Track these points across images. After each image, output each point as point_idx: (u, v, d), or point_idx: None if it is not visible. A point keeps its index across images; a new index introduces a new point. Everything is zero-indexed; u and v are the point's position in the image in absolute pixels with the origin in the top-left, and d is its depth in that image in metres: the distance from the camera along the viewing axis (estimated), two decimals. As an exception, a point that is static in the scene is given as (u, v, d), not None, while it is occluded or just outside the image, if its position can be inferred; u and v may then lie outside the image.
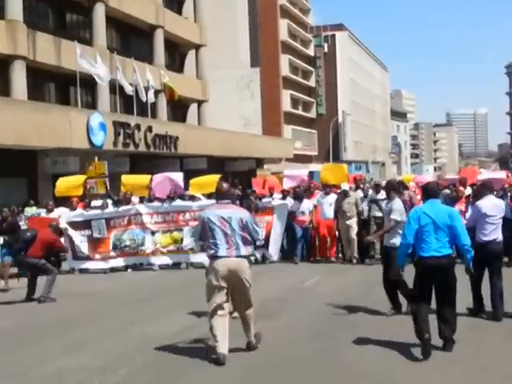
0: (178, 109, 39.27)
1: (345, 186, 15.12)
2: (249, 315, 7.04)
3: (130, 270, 15.18)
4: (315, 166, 60.45)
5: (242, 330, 7.13)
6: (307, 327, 8.06)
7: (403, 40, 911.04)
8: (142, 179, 17.17)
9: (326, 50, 76.16)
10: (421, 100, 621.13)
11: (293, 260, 15.22)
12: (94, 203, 16.41)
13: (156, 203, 15.47)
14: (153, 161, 28.33)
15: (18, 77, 24.47)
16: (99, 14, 29.25)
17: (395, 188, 9.11)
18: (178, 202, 15.32)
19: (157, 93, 32.01)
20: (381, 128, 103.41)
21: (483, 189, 8.94)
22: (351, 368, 6.45)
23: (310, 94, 73.23)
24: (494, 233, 8.42)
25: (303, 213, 15.60)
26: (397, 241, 8.15)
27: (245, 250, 6.83)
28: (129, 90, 27.93)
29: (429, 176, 31.39)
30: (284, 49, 63.70)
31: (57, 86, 28.53)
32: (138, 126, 26.20)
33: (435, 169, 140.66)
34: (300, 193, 16.31)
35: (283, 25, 63.21)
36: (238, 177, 35.62)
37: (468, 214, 9.14)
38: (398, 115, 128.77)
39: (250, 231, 6.83)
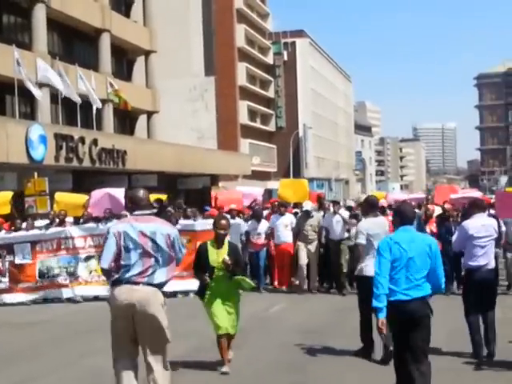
0: (126, 120, 39.14)
1: (307, 206, 14.72)
2: (156, 380, 5.62)
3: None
4: (274, 184, 60.91)
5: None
6: (275, 359, 8.16)
7: (367, 49, 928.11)
8: (78, 198, 17.02)
9: (285, 58, 77.00)
10: (386, 113, 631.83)
11: (258, 290, 14.42)
12: (39, 223, 15.93)
13: (90, 224, 14.82)
14: (98, 177, 28.12)
15: (-51, 84, 24.09)
16: (39, 16, 29.02)
17: (375, 206, 8.85)
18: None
19: (103, 103, 31.90)
20: (344, 142, 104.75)
21: (474, 207, 8.52)
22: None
23: (268, 106, 73.81)
24: (483, 257, 8.08)
25: (259, 234, 15.23)
26: (365, 267, 8.09)
27: (163, 276, 5.75)
28: (77, 99, 27.82)
29: (402, 194, 31.55)
30: (241, 56, 64.19)
31: (-9, 95, 28.17)
32: (82, 139, 25.99)
33: (402, 187, 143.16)
34: (259, 211, 15.93)
35: (240, 30, 63.74)
36: (190, 195, 35.79)
37: (454, 237, 8.78)
38: (363, 129, 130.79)
39: (176, 250, 5.88)
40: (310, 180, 74.43)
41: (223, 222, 7.95)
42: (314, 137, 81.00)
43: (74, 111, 28.71)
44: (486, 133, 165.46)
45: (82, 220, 15.44)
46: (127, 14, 39.64)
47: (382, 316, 5.81)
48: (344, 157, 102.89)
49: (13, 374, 8.15)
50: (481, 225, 8.22)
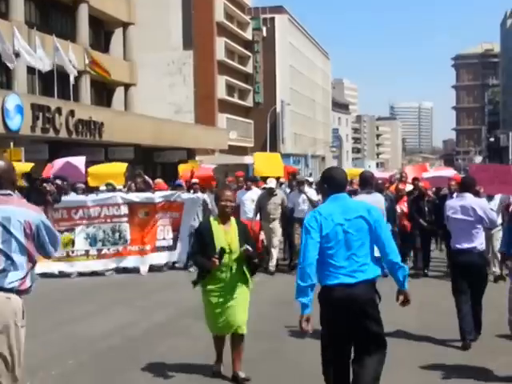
0: (103, 92, 38.89)
1: (271, 183, 14.02)
2: None
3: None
4: (251, 159, 61.02)
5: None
6: (252, 328, 8.37)
7: (346, 27, 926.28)
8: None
9: (264, 33, 76.67)
10: (364, 91, 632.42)
11: None
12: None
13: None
14: (74, 149, 27.94)
15: None
16: (17, -16, 28.67)
17: (369, 181, 8.61)
18: (70, 197, 13.81)
19: (80, 74, 31.68)
20: (321, 120, 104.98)
21: (461, 186, 8.21)
22: (298, 369, 6.77)
23: (246, 81, 73.61)
24: (465, 240, 7.69)
25: None
26: None
27: (18, 277, 4.38)
28: (47, 68, 27.61)
29: (375, 171, 31.97)
30: (219, 31, 63.81)
31: (-34, 64, 27.84)
32: (58, 110, 25.86)
33: (377, 165, 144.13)
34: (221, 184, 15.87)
35: (219, 4, 63.26)
36: (167, 168, 35.75)
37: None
38: (340, 106, 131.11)
39: (41, 242, 4.54)
40: (287, 156, 74.69)
41: (228, 192, 6.60)
42: (291, 113, 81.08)
43: (51, 82, 28.50)
44: (461, 113, 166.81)
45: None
46: (106, -15, 39.19)
47: (308, 311, 4.69)
48: (321, 133, 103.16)
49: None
50: (460, 205, 7.83)
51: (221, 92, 63.29)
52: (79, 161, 15.08)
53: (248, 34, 74.01)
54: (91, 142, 28.68)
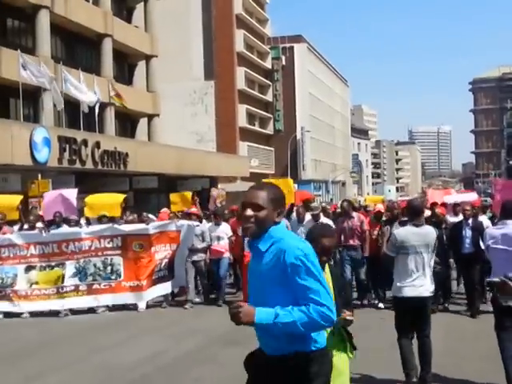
0: (127, 123, 39.34)
1: None
2: None
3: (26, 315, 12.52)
4: (272, 186, 61.06)
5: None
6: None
7: (364, 53, 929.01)
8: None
9: (283, 62, 77.21)
10: (382, 116, 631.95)
11: (217, 302, 13.12)
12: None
13: (34, 231, 13.13)
14: (100, 179, 28.33)
15: (-46, 87, 24.26)
16: (43, 21, 29.24)
17: (418, 212, 7.28)
18: (62, 229, 13.13)
19: (104, 106, 32.12)
20: (341, 145, 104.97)
21: (502, 213, 7.02)
22: None
23: (267, 109, 74.01)
24: (508, 272, 6.42)
25: (219, 239, 13.51)
26: (401, 287, 7.04)
27: None
28: (84, 106, 28.16)
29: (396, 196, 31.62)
30: (240, 61, 64.38)
31: (-4, 98, 28.35)
32: (84, 142, 26.20)
33: (397, 189, 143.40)
34: (218, 211, 14.34)
35: (239, 35, 63.91)
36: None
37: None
38: (359, 132, 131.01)
39: None
40: (308, 182, 74.74)
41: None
42: (311, 140, 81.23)
43: (77, 114, 28.91)
44: (480, 136, 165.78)
45: (26, 226, 13.67)
46: (129, 20, 39.86)
47: None
48: (341, 159, 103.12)
49: (29, 368, 8.29)
50: (500, 234, 6.80)
51: (242, 120, 63.65)
52: (71, 193, 14.81)
53: (268, 63, 74.57)
54: (116, 172, 28.96)
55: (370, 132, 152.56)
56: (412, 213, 7.27)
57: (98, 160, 27.18)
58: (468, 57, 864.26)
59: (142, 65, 40.48)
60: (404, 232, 7.09)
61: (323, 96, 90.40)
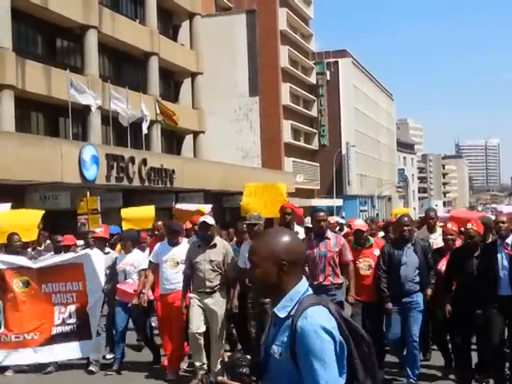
0: (173, 140, 39.69)
1: (207, 220, 8.59)
2: None
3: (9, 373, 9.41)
4: (318, 201, 60.87)
5: None
6: None
7: (408, 66, 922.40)
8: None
9: (328, 77, 77.03)
10: (428, 130, 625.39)
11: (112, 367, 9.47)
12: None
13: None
14: (147, 196, 28.54)
15: (6, 108, 24.79)
16: (91, 40, 29.77)
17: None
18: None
19: (151, 124, 32.46)
20: (387, 160, 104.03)
21: None
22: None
23: (311, 125, 73.84)
24: None
25: (127, 276, 9.56)
26: None
27: None
28: (124, 121, 28.43)
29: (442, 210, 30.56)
30: (284, 76, 64.46)
31: (46, 117, 28.88)
32: (132, 159, 26.49)
33: (444, 204, 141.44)
34: (132, 236, 10.11)
35: (283, 51, 64.04)
36: (235, 213, 35.92)
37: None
38: (405, 146, 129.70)
39: None
40: (353, 197, 74.27)
41: None
42: (356, 155, 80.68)
43: (124, 132, 29.27)
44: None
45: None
46: (174, 38, 40.32)
47: None
48: (386, 174, 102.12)
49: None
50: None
51: (287, 136, 63.62)
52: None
53: (312, 79, 74.50)
54: (163, 189, 29.18)
55: (416, 146, 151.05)
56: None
57: (145, 177, 27.45)
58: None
59: (187, 82, 40.86)
60: None
61: (368, 110, 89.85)
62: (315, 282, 7.75)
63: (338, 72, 79.03)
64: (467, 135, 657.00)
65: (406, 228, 7.94)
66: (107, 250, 10.20)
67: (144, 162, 27.32)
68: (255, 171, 43.16)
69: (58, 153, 22.26)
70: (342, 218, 29.75)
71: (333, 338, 2.60)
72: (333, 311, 2.69)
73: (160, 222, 10.72)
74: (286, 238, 2.78)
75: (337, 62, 79.17)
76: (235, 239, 10.44)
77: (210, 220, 8.50)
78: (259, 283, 2.83)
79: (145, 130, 30.63)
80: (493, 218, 9.69)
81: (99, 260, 8.89)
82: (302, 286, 2.79)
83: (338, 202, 62.57)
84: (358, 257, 8.36)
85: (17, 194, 22.40)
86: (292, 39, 67.75)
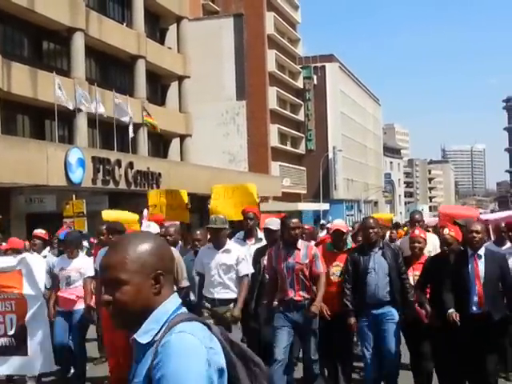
0: (160, 144, 39.60)
1: (152, 229, 8.50)
2: None
3: None
4: (304, 205, 60.94)
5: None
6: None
7: (395, 71, 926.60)
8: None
9: (315, 82, 77.22)
10: (415, 135, 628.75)
11: None
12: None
13: None
14: (133, 199, 28.40)
15: (-9, 110, 24.65)
16: (78, 43, 29.63)
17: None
18: None
19: (138, 127, 32.39)
20: (373, 165, 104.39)
21: None
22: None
23: (298, 129, 73.97)
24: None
25: (70, 282, 8.59)
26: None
27: None
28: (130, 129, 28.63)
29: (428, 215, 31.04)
30: (271, 80, 64.55)
31: (31, 120, 28.73)
32: (118, 162, 26.43)
33: (430, 208, 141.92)
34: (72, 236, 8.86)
35: (271, 55, 64.13)
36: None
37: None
38: (391, 151, 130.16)
39: None
40: (340, 201, 74.39)
41: None
42: (343, 159, 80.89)
43: (111, 135, 29.18)
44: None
45: None
46: (162, 41, 40.26)
47: None
48: (373, 179, 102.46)
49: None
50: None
51: (273, 140, 63.70)
52: None
53: (299, 83, 74.67)
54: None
55: (402, 151, 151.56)
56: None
57: (132, 180, 27.39)
58: (501, 74, 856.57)
59: (174, 86, 40.80)
60: None
61: (355, 115, 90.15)
62: (286, 298, 7.08)
63: (325, 76, 79.26)
64: (453, 140, 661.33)
65: (371, 231, 7.12)
66: (45, 252, 9.55)
67: (130, 165, 27.27)
68: (242, 175, 43.11)
69: (44, 155, 22.14)
70: (329, 222, 29.75)
71: (207, 359, 2.00)
72: (215, 331, 2.13)
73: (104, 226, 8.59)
74: (153, 243, 2.20)
75: (324, 67, 79.41)
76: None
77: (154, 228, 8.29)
78: (127, 308, 2.14)
79: (131, 134, 30.62)
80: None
81: (37, 264, 8.12)
82: (172, 303, 2.19)
83: (325, 206, 62.66)
84: (332, 261, 7.52)
85: (2, 196, 22.33)
86: (279, 43, 67.87)
